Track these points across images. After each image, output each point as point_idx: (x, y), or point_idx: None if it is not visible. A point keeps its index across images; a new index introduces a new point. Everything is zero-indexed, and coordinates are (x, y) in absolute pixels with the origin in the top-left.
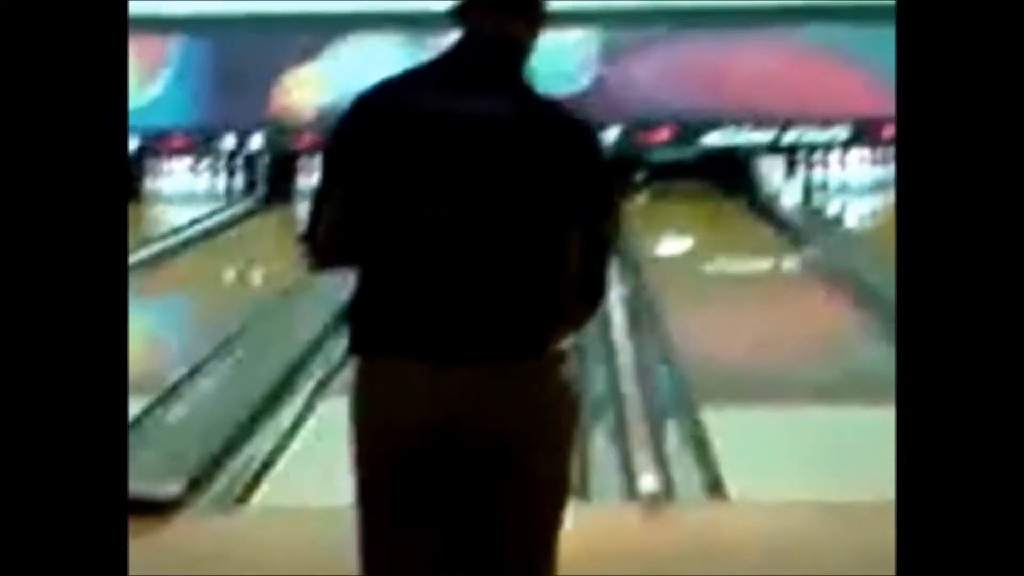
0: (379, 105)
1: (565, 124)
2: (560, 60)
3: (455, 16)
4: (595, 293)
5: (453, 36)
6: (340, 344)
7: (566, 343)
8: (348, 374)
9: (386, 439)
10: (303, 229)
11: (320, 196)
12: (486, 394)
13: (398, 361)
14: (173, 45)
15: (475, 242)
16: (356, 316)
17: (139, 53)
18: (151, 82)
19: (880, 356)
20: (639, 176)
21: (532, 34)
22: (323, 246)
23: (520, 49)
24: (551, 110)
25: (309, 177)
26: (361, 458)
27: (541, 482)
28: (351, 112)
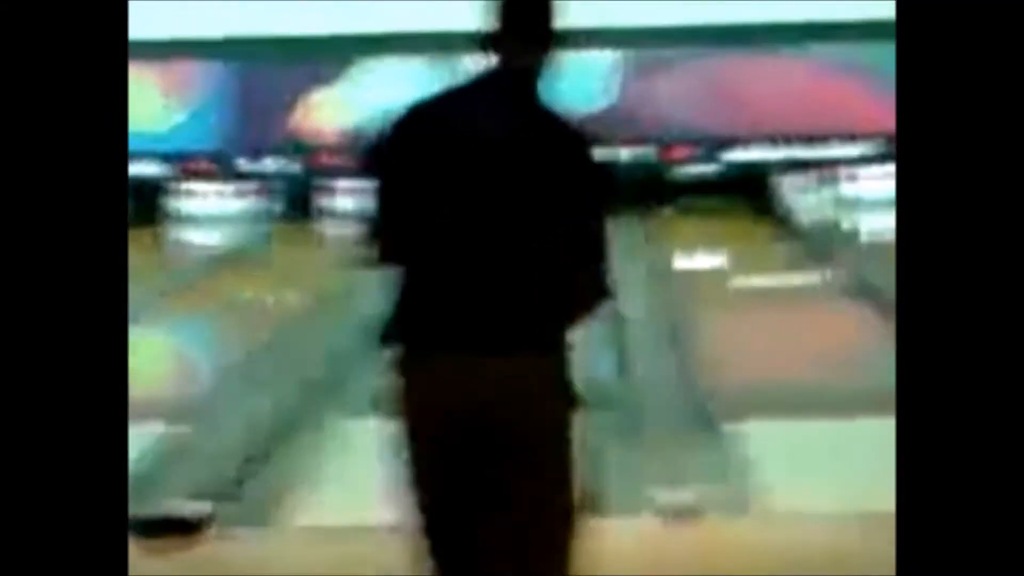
0: (414, 123)
1: (567, 137)
2: (585, 79)
3: (479, 47)
4: (599, 289)
5: (471, 58)
6: (366, 363)
7: (571, 338)
8: (375, 393)
9: (420, 421)
10: (360, 231)
11: (373, 203)
12: (505, 383)
13: (429, 353)
14: (197, 70)
15: (494, 248)
16: (393, 312)
17: (163, 78)
18: (175, 107)
19: None
20: (666, 194)
21: (547, 60)
22: (380, 247)
23: (533, 76)
24: (556, 126)
25: (332, 198)
26: (403, 437)
27: (549, 465)
28: (391, 129)
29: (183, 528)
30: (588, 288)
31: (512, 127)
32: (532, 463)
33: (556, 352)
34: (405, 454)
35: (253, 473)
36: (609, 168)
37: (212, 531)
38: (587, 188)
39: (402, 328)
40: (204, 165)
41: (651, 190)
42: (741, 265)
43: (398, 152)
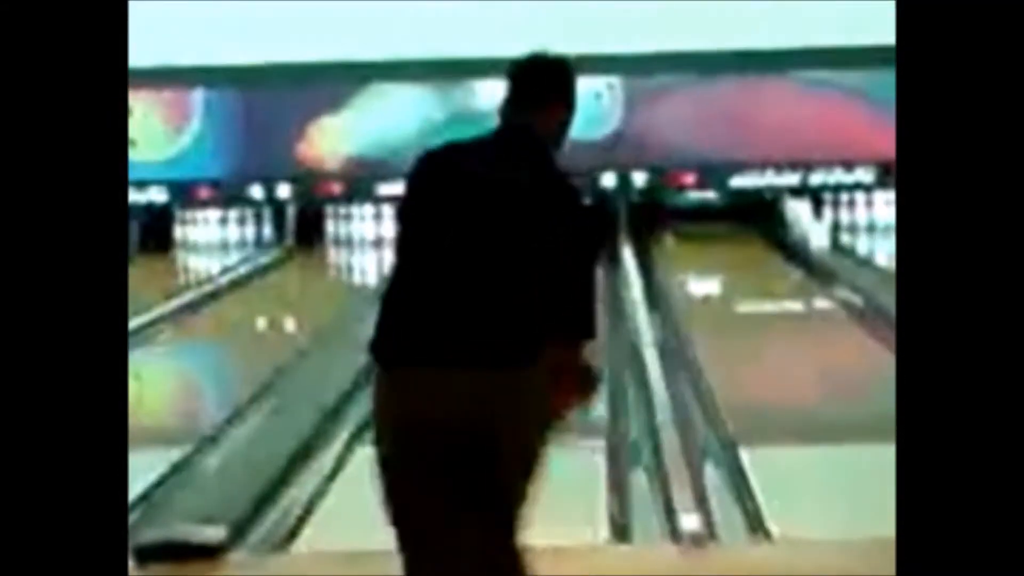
0: (428, 167)
1: (560, 190)
2: (586, 106)
3: (499, 111)
4: (585, 322)
5: (475, 86)
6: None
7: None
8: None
9: (398, 429)
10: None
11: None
12: (482, 393)
13: (409, 367)
14: (199, 97)
15: (481, 276)
16: (379, 329)
17: (166, 106)
18: (179, 134)
19: None
20: (668, 221)
21: (556, 124)
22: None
23: (539, 136)
24: (552, 179)
25: (336, 225)
26: (381, 444)
27: (515, 463)
28: (412, 170)
29: (197, 553)
30: (570, 321)
31: (508, 175)
32: (503, 474)
33: (530, 368)
34: (381, 465)
35: (266, 498)
36: (599, 217)
37: (226, 556)
38: (569, 233)
39: (381, 344)
40: (210, 192)
41: (655, 217)
42: (747, 291)
43: (412, 189)
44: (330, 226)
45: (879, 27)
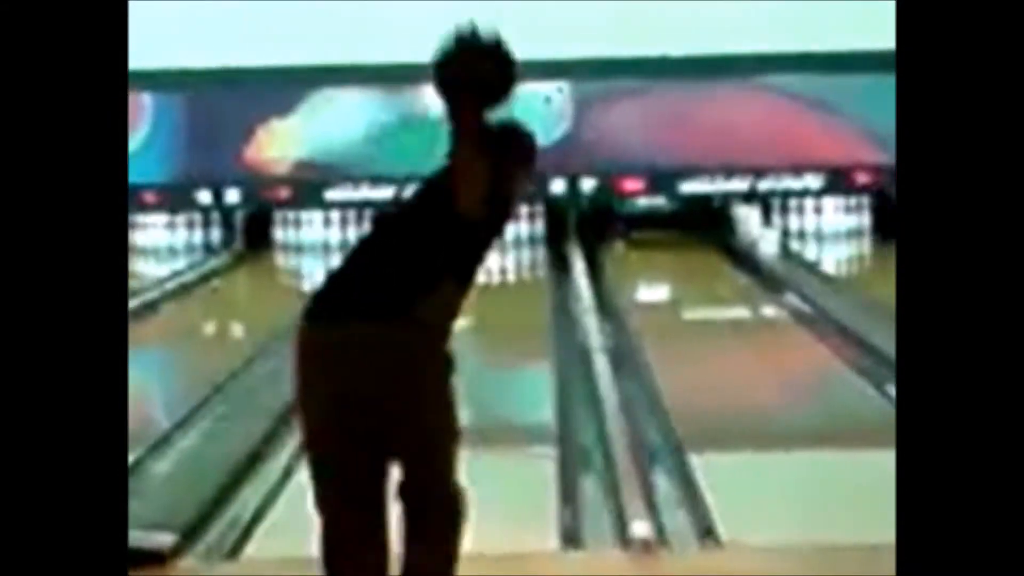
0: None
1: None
2: (534, 112)
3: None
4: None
5: (423, 90)
6: None
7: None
8: None
9: (309, 390)
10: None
11: None
12: (386, 347)
13: (318, 324)
14: (146, 101)
15: (395, 246)
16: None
17: None
18: (128, 139)
19: (861, 399)
20: (618, 227)
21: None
22: None
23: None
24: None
25: (285, 230)
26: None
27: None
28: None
29: (146, 559)
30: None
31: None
32: (415, 420)
33: (437, 322)
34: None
35: (216, 504)
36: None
37: (175, 562)
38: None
39: (306, 307)
40: (157, 197)
41: (605, 222)
42: (696, 297)
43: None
44: (279, 231)
45: (831, 33)
